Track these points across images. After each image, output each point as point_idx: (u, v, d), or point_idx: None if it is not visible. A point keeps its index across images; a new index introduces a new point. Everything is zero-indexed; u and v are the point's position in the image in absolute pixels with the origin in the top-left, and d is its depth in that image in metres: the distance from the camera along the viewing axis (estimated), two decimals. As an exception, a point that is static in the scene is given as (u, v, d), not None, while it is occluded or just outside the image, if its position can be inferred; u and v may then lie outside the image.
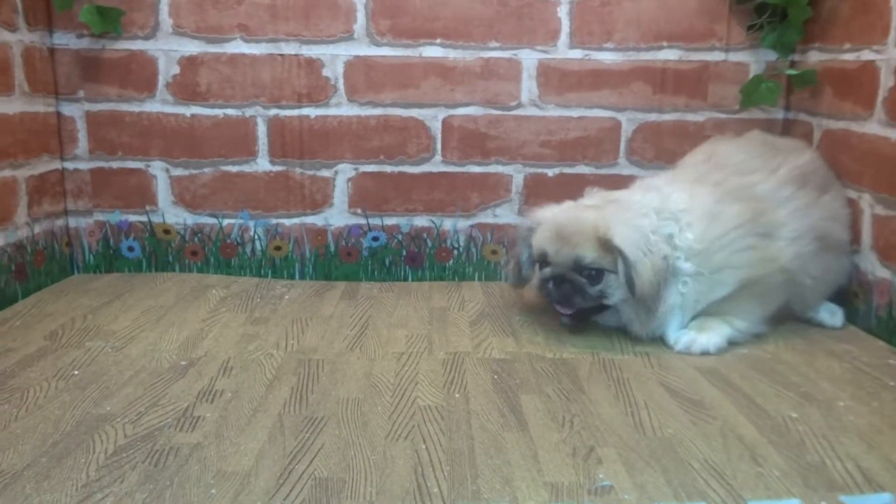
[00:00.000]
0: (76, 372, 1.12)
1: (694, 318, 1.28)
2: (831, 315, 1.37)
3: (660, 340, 1.29)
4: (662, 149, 1.68)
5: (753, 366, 1.18)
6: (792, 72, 1.59)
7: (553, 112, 1.67)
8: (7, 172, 1.45)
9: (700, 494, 0.81)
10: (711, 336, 1.24)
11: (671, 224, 1.25)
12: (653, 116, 1.68)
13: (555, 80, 1.66)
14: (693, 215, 1.25)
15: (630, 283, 1.21)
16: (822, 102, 1.54)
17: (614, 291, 1.25)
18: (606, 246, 1.23)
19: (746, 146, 1.43)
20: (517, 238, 1.43)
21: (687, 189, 1.30)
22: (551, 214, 1.32)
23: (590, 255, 1.24)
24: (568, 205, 1.35)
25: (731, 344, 1.26)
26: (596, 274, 1.24)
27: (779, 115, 1.67)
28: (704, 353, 1.23)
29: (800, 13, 1.53)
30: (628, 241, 1.21)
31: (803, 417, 1.00)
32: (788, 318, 1.37)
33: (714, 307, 1.27)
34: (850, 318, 1.39)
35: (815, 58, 1.56)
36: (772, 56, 1.63)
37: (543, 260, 1.30)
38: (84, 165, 1.66)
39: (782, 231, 1.27)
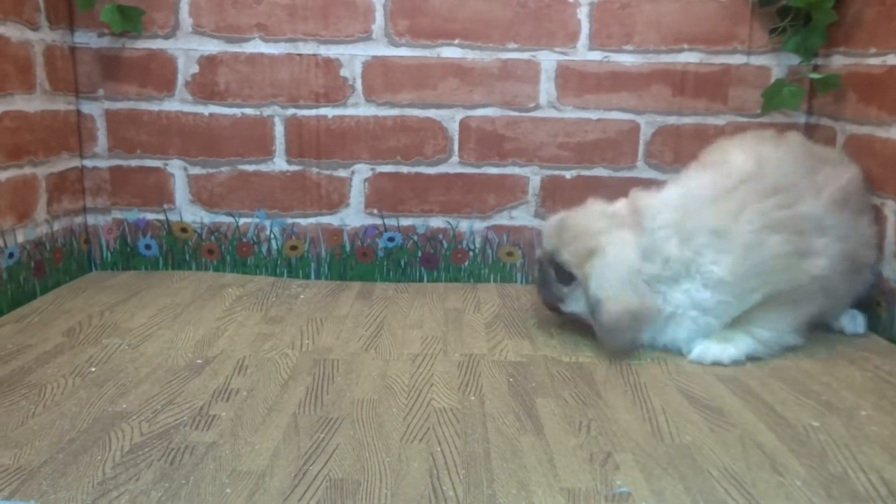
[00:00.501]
0: (93, 369, 1.12)
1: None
2: (853, 321, 1.35)
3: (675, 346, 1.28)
4: (681, 152, 1.66)
5: (773, 373, 1.17)
6: (815, 76, 1.57)
7: (571, 114, 1.66)
8: (27, 170, 1.46)
9: (719, 503, 0.79)
10: (728, 347, 1.20)
11: (695, 243, 1.19)
12: (672, 119, 1.67)
13: (573, 81, 1.65)
14: (728, 243, 1.18)
15: (593, 312, 1.21)
16: (845, 107, 1.52)
17: (573, 302, 1.27)
18: (586, 257, 1.21)
19: (790, 156, 1.33)
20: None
21: (727, 210, 1.21)
22: (578, 209, 1.31)
23: (566, 255, 1.24)
24: (595, 204, 1.31)
25: (753, 358, 1.21)
26: (568, 275, 1.25)
27: (801, 119, 1.65)
28: (716, 364, 1.19)
29: (824, 17, 1.51)
30: (602, 279, 1.18)
31: (824, 426, 0.98)
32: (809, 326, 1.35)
33: (744, 317, 1.22)
34: (872, 326, 1.37)
35: (838, 62, 1.54)
36: (794, 60, 1.61)
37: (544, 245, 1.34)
38: (103, 163, 1.67)
39: (817, 260, 1.21)
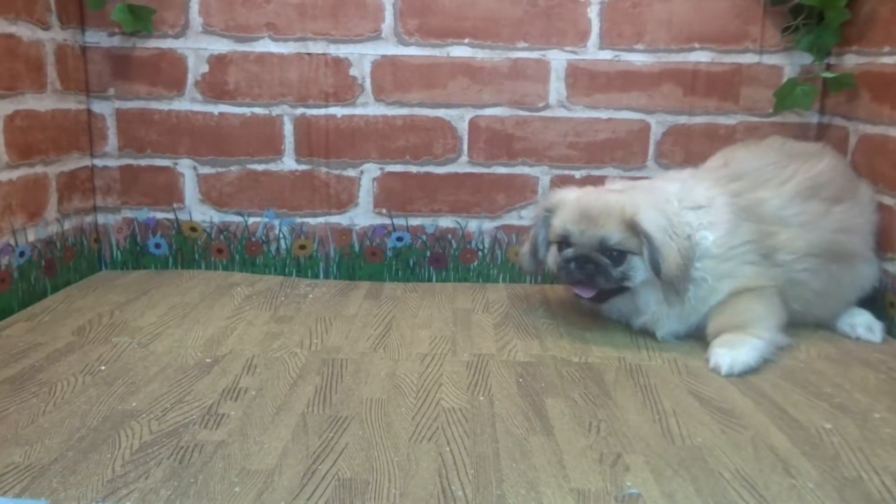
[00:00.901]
0: (103, 367, 1.13)
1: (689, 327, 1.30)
2: (869, 330, 1.32)
3: (687, 347, 1.27)
4: (692, 152, 1.65)
5: (785, 375, 1.16)
6: (828, 75, 1.56)
7: (581, 113, 1.66)
8: (39, 169, 1.47)
9: (731, 505, 0.79)
10: (739, 353, 1.17)
11: (692, 214, 1.26)
12: (683, 119, 1.66)
13: (583, 81, 1.64)
14: (715, 217, 1.25)
15: (656, 266, 1.22)
16: (858, 107, 1.51)
17: (637, 273, 1.26)
18: (632, 228, 1.23)
19: (762, 154, 1.40)
20: (535, 218, 1.43)
21: (709, 188, 1.30)
22: (574, 196, 1.32)
23: (616, 235, 1.24)
24: (590, 188, 1.35)
25: (764, 360, 1.19)
26: (618, 255, 1.25)
27: (813, 119, 1.64)
28: (715, 370, 1.17)
29: (837, 15, 1.50)
30: (655, 225, 1.22)
31: (838, 429, 0.97)
32: (821, 327, 1.34)
33: (729, 319, 1.23)
34: (886, 328, 1.36)
35: (852, 61, 1.53)
36: (807, 59, 1.60)
37: (565, 240, 1.29)
38: (113, 163, 1.68)
39: (780, 255, 1.26)
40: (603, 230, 1.25)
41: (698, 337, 1.30)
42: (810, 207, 1.30)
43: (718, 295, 1.25)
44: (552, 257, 1.35)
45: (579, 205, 1.29)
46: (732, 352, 1.17)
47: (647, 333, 1.32)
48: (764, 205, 1.29)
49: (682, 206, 1.27)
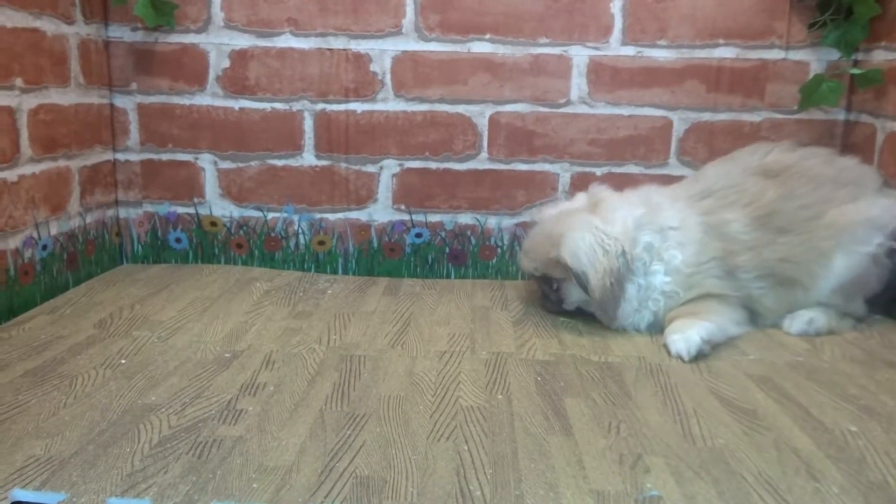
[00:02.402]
0: (123, 361, 1.13)
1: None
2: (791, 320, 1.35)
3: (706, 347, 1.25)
4: (715, 149, 1.63)
5: (809, 375, 1.14)
6: (856, 71, 1.53)
7: (603, 110, 1.64)
8: (62, 162, 1.48)
9: (753, 509, 0.78)
10: (690, 334, 1.24)
11: (656, 236, 1.32)
12: (706, 116, 1.63)
13: (605, 77, 1.63)
14: (686, 238, 1.33)
15: (585, 290, 1.32)
16: (887, 103, 1.48)
17: (570, 296, 1.39)
18: (558, 262, 1.33)
19: (729, 172, 1.43)
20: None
21: (682, 209, 1.36)
22: (539, 222, 1.45)
23: (541, 268, 1.39)
24: (558, 207, 1.46)
25: (709, 344, 1.24)
26: (555, 282, 1.39)
27: (839, 116, 1.61)
28: (678, 357, 1.22)
29: (866, 10, 1.47)
30: (575, 257, 1.30)
31: (863, 432, 0.95)
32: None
33: (684, 310, 1.32)
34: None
35: (880, 57, 1.50)
36: (834, 55, 1.57)
37: None
38: (135, 157, 1.69)
39: (740, 273, 1.33)
40: (535, 263, 1.40)
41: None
42: (761, 236, 1.34)
43: (689, 295, 1.33)
44: None
45: (527, 241, 1.45)
46: (685, 334, 1.23)
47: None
48: (728, 226, 1.35)
49: (644, 230, 1.32)
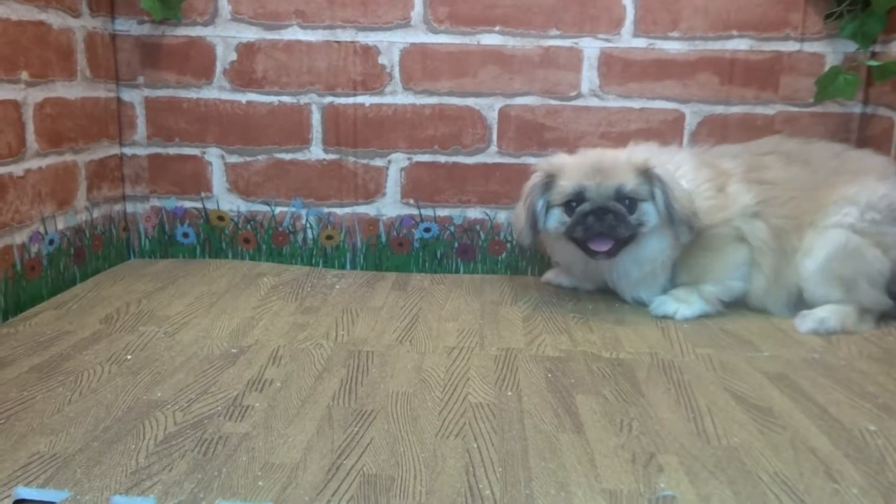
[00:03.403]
0: (129, 356, 1.12)
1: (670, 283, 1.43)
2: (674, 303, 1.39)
3: (722, 343, 1.23)
4: (728, 142, 1.60)
5: (825, 373, 1.12)
6: (873, 63, 1.50)
7: (614, 103, 1.62)
8: (68, 157, 1.47)
9: (770, 510, 0.76)
10: (681, 307, 1.37)
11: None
12: (719, 109, 1.61)
13: (617, 69, 1.60)
14: (682, 170, 1.38)
15: (670, 208, 1.32)
16: (904, 95, 1.45)
17: (650, 218, 1.34)
18: (645, 175, 1.33)
19: (736, 150, 1.48)
20: (530, 189, 1.40)
21: (674, 153, 1.43)
22: (574, 157, 1.40)
23: (631, 183, 1.32)
24: (584, 150, 1.44)
25: (706, 316, 1.37)
26: (631, 203, 1.33)
27: (856, 109, 1.58)
28: (666, 317, 1.37)
29: (885, 1, 1.44)
30: (664, 170, 1.34)
31: (883, 431, 0.93)
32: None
33: (686, 274, 1.40)
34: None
35: (898, 48, 1.47)
36: (851, 47, 1.54)
37: (579, 197, 1.34)
38: (142, 151, 1.68)
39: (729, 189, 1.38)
40: (618, 180, 1.32)
41: (732, 332, 1.27)
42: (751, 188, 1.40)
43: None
44: (555, 221, 1.37)
45: (589, 161, 1.36)
46: (672, 302, 1.38)
47: (668, 322, 1.29)
48: (719, 161, 1.42)
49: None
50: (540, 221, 1.39)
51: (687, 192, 1.34)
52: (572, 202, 1.35)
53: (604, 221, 1.32)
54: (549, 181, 1.37)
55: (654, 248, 1.37)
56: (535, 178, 1.39)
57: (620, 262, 1.39)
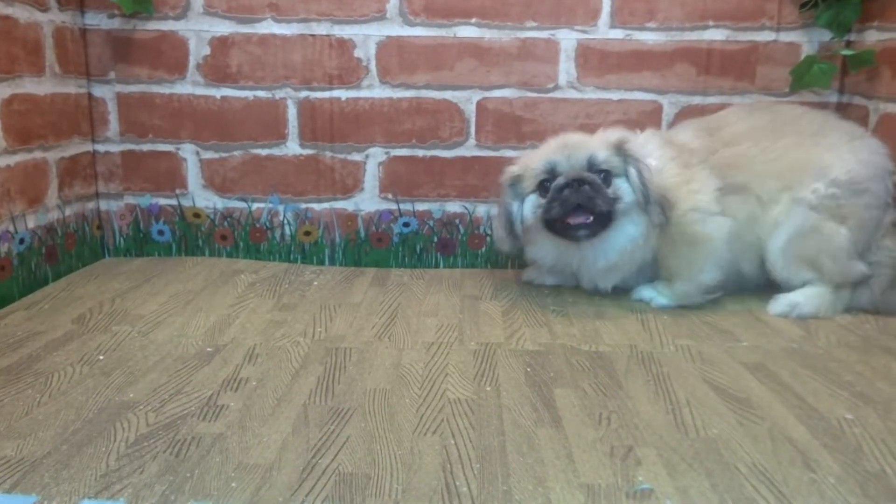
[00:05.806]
0: (101, 357, 1.10)
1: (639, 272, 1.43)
2: (652, 290, 1.41)
3: (702, 334, 1.23)
4: (707, 133, 1.60)
5: (803, 363, 1.12)
6: (848, 52, 1.50)
7: (592, 94, 1.61)
8: (38, 154, 1.44)
9: (748, 501, 0.75)
10: (658, 297, 1.40)
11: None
12: (697, 99, 1.61)
13: (594, 61, 1.60)
14: (649, 150, 1.36)
15: (645, 185, 1.30)
16: (880, 85, 1.45)
17: (626, 194, 1.32)
18: (618, 149, 1.32)
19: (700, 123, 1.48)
20: (503, 192, 1.40)
21: (642, 136, 1.42)
22: (537, 150, 1.39)
23: (602, 153, 1.31)
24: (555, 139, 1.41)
25: (683, 307, 1.37)
26: (605, 177, 1.31)
27: (832, 98, 1.59)
28: (642, 301, 1.41)
29: (859, -10, 1.44)
30: (638, 148, 1.33)
31: (859, 419, 0.93)
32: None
33: (663, 271, 1.40)
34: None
35: (873, 37, 1.47)
36: (826, 36, 1.55)
37: (551, 173, 1.32)
38: (115, 148, 1.65)
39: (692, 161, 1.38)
40: (589, 150, 1.31)
41: (712, 323, 1.27)
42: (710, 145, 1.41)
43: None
44: (531, 207, 1.35)
45: (558, 140, 1.36)
46: (650, 290, 1.41)
47: (648, 314, 1.29)
48: (677, 136, 1.43)
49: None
50: (517, 222, 1.37)
51: (656, 170, 1.33)
52: (545, 181, 1.33)
53: (581, 192, 1.29)
54: (517, 178, 1.37)
55: (629, 233, 1.34)
56: (504, 181, 1.39)
57: (599, 247, 1.35)
